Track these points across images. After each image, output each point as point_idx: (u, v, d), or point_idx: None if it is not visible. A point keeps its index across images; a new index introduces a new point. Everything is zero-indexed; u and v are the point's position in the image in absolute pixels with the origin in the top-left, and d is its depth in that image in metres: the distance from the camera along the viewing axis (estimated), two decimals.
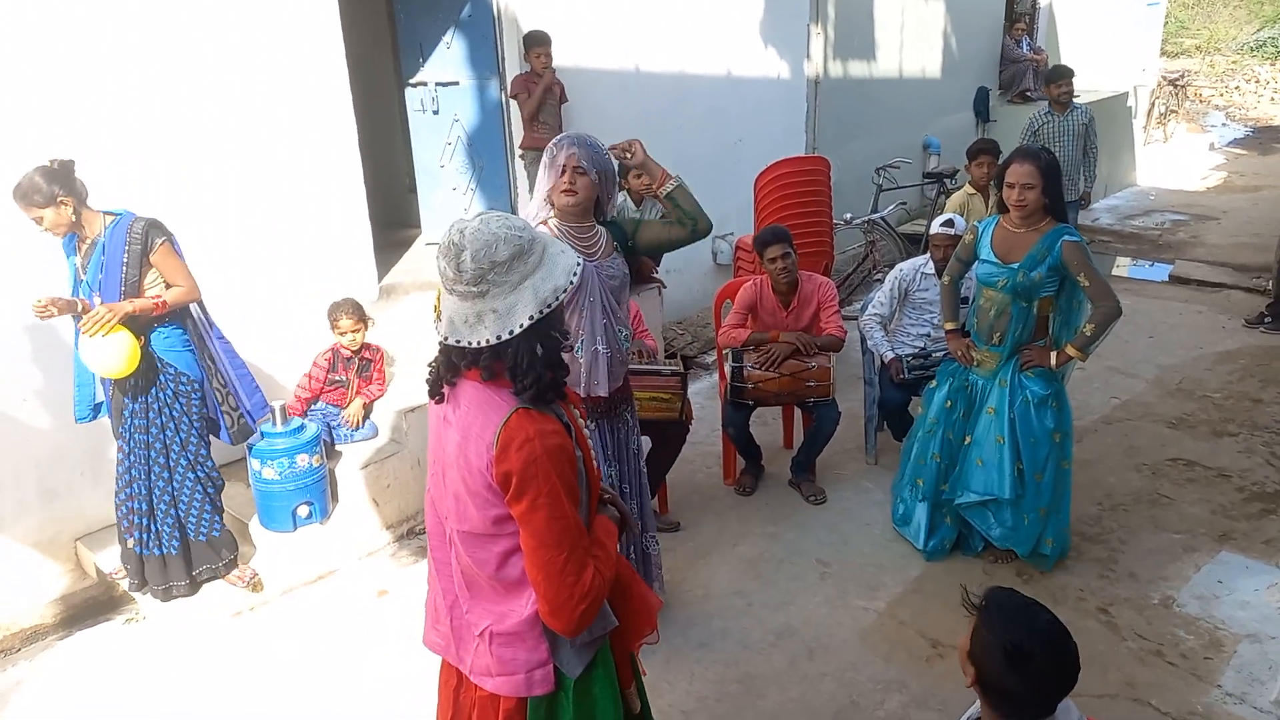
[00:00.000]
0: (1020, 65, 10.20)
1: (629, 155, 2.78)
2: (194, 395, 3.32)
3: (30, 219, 3.00)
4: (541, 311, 1.60)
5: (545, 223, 2.78)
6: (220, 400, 3.38)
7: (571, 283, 1.63)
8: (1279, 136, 14.53)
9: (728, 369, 4.17)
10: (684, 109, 6.28)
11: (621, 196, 5.07)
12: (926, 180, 8.25)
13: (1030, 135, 6.40)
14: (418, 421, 4.06)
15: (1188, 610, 3.38)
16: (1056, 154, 4.03)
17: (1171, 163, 12.25)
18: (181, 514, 3.40)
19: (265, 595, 3.61)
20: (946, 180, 7.68)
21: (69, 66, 3.51)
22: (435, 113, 5.51)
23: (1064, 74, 6.38)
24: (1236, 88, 17.01)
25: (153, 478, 3.32)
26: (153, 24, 3.70)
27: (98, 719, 3.04)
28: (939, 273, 4.15)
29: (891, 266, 4.98)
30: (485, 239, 1.58)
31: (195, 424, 3.35)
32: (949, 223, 4.27)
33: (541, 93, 5.06)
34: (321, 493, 3.74)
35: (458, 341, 1.62)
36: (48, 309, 3.00)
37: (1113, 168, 10.60)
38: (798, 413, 4.61)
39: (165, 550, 3.39)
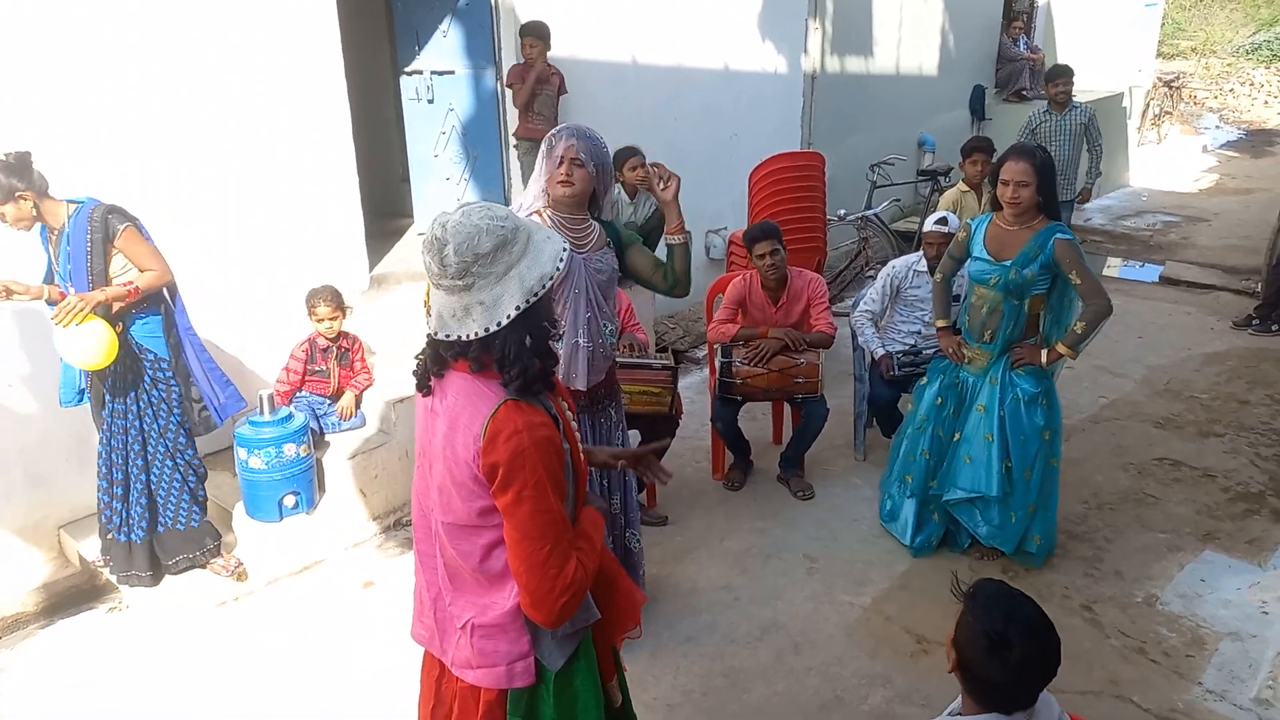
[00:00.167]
0: (1017, 64, 10.21)
1: (663, 185, 2.75)
2: (173, 383, 3.29)
3: None
4: (528, 300, 1.58)
5: (539, 212, 2.77)
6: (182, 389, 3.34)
7: (558, 268, 1.62)
8: (1272, 139, 14.58)
9: (717, 364, 4.17)
10: (680, 102, 6.26)
11: (615, 188, 5.06)
12: (921, 177, 8.27)
13: (1028, 133, 6.43)
14: (406, 412, 4.05)
15: (1171, 608, 3.40)
16: (1052, 153, 4.04)
17: (1164, 164, 12.29)
18: (160, 503, 3.38)
19: (250, 585, 3.59)
20: (941, 178, 7.69)
21: (53, 57, 3.47)
22: (430, 102, 5.48)
23: (1063, 73, 6.39)
24: (1231, 90, 17.05)
25: (130, 465, 3.30)
26: (142, 6, 3.66)
27: (80, 708, 3.02)
28: (932, 270, 4.16)
29: (884, 263, 4.99)
30: (467, 231, 1.56)
31: (175, 412, 3.32)
32: (942, 220, 4.27)
33: (533, 83, 5.01)
34: (308, 483, 3.73)
35: (447, 336, 1.61)
36: (2, 292, 2.97)
37: (1106, 168, 10.54)
38: (787, 408, 4.61)
39: (130, 538, 3.38)
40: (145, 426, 3.28)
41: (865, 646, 3.23)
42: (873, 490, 4.19)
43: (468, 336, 1.59)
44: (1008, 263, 3.34)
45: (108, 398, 3.24)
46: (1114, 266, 8.50)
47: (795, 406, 4.39)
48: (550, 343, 1.69)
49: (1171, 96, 13.84)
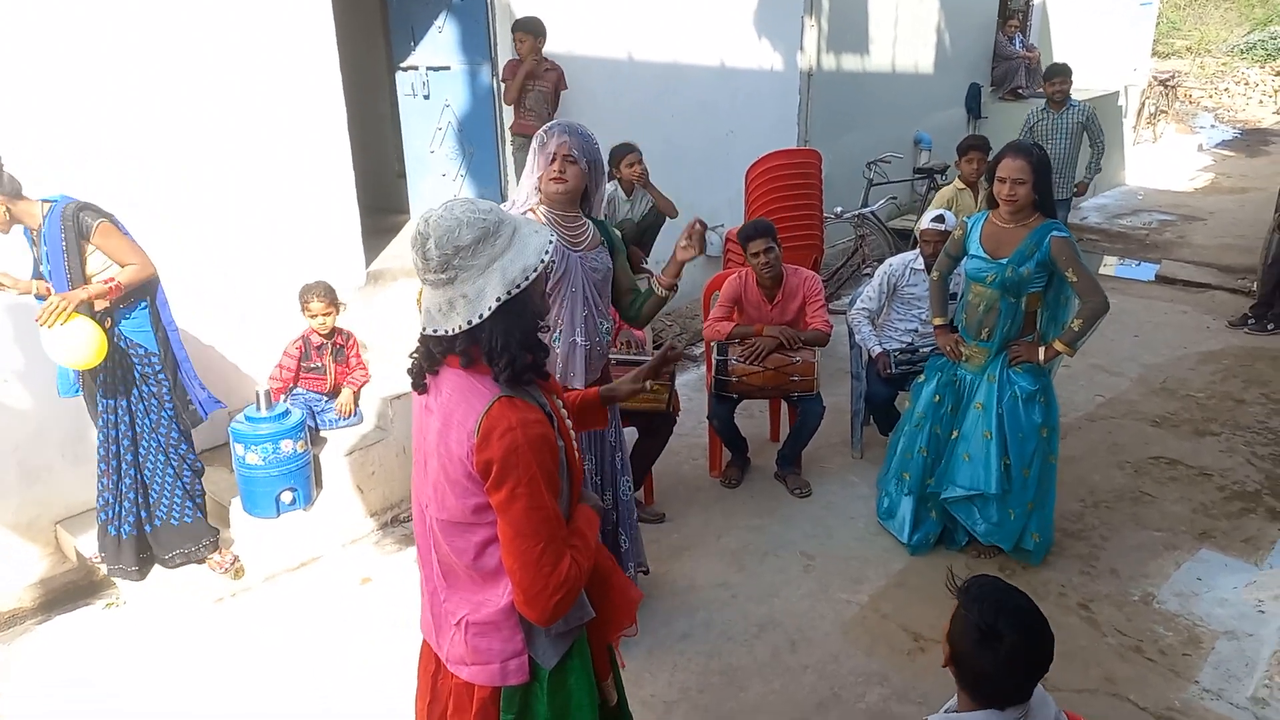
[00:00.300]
0: (1012, 62, 10.21)
1: (684, 244, 2.76)
2: (163, 378, 3.27)
3: None
4: (510, 292, 1.57)
5: (533, 210, 2.76)
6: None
7: (543, 261, 1.60)
8: (1267, 139, 14.61)
9: (713, 361, 4.17)
10: (677, 99, 6.25)
11: (612, 186, 5.05)
12: (917, 175, 8.27)
13: (1026, 131, 6.45)
14: (403, 408, 4.04)
15: (1167, 607, 3.41)
16: (1049, 151, 4.04)
17: (1160, 163, 12.31)
18: (154, 498, 3.37)
19: (247, 581, 3.58)
20: (937, 176, 7.70)
21: (52, 57, 3.45)
22: (426, 98, 5.46)
23: (1061, 71, 6.40)
24: (1226, 89, 17.08)
25: (122, 460, 3.29)
26: (141, 6, 3.65)
27: (77, 704, 3.01)
28: (928, 268, 4.16)
29: (881, 261, 4.99)
30: (448, 224, 1.56)
31: (166, 407, 3.30)
32: (939, 218, 4.27)
33: (522, 78, 4.97)
34: (305, 479, 3.72)
35: (435, 331, 1.61)
36: None
37: (1102, 167, 10.63)
38: (784, 406, 4.62)
39: (119, 532, 3.37)
40: (137, 422, 3.27)
41: (862, 644, 3.23)
42: (870, 488, 4.20)
43: (453, 330, 1.58)
44: (1004, 260, 3.35)
45: (99, 395, 3.23)
46: (1110, 265, 8.51)
47: (792, 404, 4.39)
48: (539, 334, 1.68)
49: (1167, 95, 13.87)
